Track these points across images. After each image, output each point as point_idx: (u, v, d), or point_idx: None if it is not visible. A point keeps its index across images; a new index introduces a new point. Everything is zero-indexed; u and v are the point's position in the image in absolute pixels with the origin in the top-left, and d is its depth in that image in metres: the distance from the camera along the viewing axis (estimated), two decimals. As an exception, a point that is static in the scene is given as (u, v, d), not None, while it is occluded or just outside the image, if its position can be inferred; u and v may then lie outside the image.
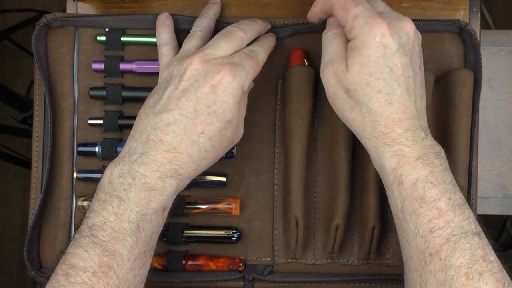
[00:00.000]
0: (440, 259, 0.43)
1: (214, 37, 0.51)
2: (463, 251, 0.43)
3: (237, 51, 0.50)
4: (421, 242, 0.44)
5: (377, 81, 0.46)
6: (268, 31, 0.57)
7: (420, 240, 0.44)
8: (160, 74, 0.52)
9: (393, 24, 0.46)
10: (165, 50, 0.54)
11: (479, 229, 0.45)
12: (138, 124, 0.48)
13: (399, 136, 0.46)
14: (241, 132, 0.52)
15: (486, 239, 0.45)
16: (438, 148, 0.47)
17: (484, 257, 0.43)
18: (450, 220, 0.44)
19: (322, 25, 0.53)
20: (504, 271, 0.44)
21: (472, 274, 0.42)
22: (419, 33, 0.49)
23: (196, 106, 0.47)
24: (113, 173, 0.46)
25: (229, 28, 0.52)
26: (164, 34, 0.55)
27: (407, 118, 0.46)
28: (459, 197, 0.45)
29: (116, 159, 0.47)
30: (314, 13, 0.53)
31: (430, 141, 0.47)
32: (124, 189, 0.45)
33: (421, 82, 0.48)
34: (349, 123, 0.49)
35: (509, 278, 0.44)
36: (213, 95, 0.47)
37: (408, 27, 0.47)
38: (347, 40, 0.48)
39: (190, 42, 0.52)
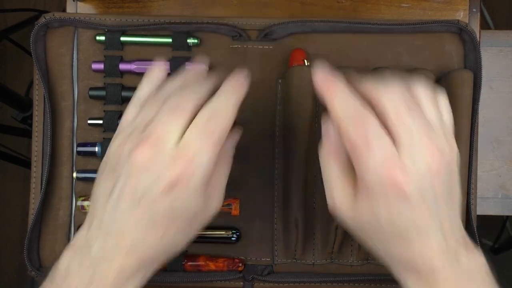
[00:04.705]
0: None
1: (162, 110, 0.41)
2: None
3: (193, 122, 0.40)
4: None
5: (389, 227, 0.39)
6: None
7: None
8: (116, 132, 0.44)
9: (410, 158, 0.37)
10: (134, 107, 0.45)
11: None
12: (96, 210, 0.42)
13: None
14: (217, 204, 0.44)
15: None
16: (480, 266, 0.40)
17: None
18: None
19: (323, 25, 0.53)
20: None
21: None
22: (453, 151, 0.39)
23: (152, 210, 0.40)
24: (72, 262, 0.41)
25: (173, 98, 0.41)
26: (145, 89, 0.46)
27: (440, 253, 0.39)
28: None
29: (76, 245, 0.41)
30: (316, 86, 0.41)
31: (469, 263, 0.40)
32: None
33: (447, 203, 0.39)
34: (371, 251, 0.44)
35: None
36: (169, 197, 0.39)
37: (429, 158, 0.37)
38: (344, 154, 0.42)
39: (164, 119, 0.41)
